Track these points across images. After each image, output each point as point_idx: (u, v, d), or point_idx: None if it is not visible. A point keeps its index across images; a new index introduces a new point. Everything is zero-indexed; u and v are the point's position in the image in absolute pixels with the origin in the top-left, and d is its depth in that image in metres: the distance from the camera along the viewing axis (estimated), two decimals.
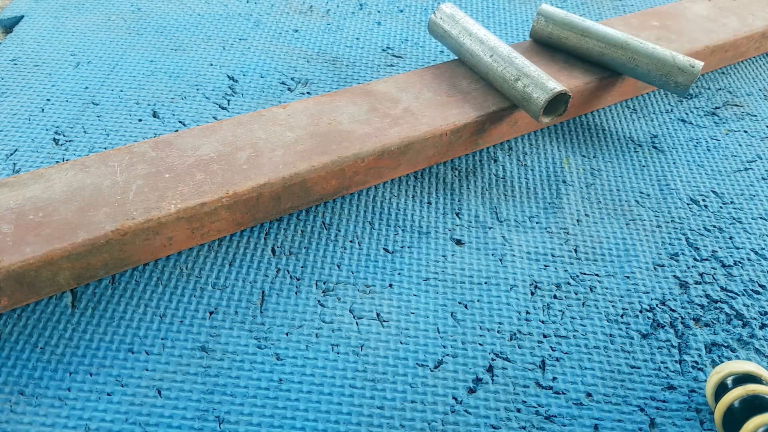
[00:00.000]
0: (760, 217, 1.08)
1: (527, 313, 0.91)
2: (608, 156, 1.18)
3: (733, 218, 1.08)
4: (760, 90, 1.36)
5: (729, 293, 0.96)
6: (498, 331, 0.89)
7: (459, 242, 1.00)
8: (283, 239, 0.99)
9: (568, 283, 0.96)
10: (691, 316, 0.93)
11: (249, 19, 1.47)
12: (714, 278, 0.98)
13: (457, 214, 1.04)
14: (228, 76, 1.30)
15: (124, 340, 0.84)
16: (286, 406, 0.79)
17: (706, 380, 0.84)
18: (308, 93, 1.27)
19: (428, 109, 1.09)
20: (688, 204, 1.10)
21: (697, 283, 0.97)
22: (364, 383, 0.82)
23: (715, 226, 1.06)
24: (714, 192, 1.12)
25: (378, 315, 0.90)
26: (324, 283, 0.92)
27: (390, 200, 1.07)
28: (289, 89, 1.28)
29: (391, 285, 0.93)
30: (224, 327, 0.87)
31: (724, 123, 1.27)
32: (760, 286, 0.97)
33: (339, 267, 0.95)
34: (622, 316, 0.92)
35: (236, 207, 0.94)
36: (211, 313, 0.88)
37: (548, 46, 1.27)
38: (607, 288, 0.95)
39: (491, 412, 0.80)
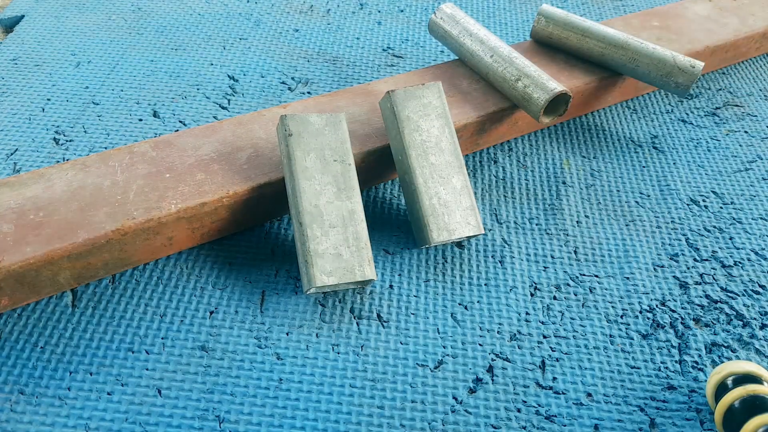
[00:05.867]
0: (761, 218, 1.08)
1: (527, 314, 0.91)
2: (608, 156, 1.18)
3: (734, 219, 1.08)
4: (760, 90, 1.36)
5: (729, 293, 0.96)
6: (498, 332, 0.89)
7: (459, 244, 1.00)
8: (283, 239, 0.99)
9: (568, 284, 0.96)
10: (691, 316, 0.93)
11: (249, 18, 1.47)
12: (714, 279, 0.98)
13: None
14: (228, 76, 1.30)
15: (125, 339, 0.84)
16: (287, 405, 0.79)
17: (706, 380, 0.84)
18: (309, 93, 1.27)
19: None
20: (688, 204, 1.10)
21: (697, 283, 0.97)
22: (365, 383, 0.82)
23: (715, 227, 1.06)
24: (714, 192, 1.12)
25: (378, 315, 0.90)
26: None
27: (390, 201, 1.07)
28: (289, 89, 1.28)
29: (391, 286, 0.93)
30: (224, 326, 0.87)
31: (724, 123, 1.27)
32: (761, 286, 0.97)
33: None
34: (622, 316, 0.92)
35: (236, 207, 0.94)
36: (211, 312, 0.89)
37: (549, 46, 1.27)
38: (606, 289, 0.96)
39: (491, 411, 0.80)
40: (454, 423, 0.79)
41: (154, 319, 0.87)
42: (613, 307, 0.93)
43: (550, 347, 0.88)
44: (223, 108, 1.22)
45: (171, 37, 1.40)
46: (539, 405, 0.81)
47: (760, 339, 0.90)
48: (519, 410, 0.81)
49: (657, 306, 0.94)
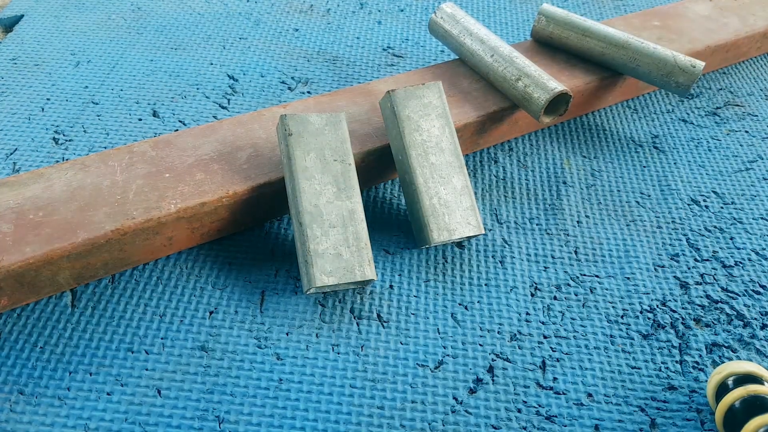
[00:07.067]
0: (761, 218, 1.08)
1: (527, 314, 0.91)
2: (609, 156, 1.18)
3: (734, 219, 1.08)
4: (761, 90, 1.36)
5: (730, 294, 0.96)
6: (498, 332, 0.89)
7: (459, 245, 1.00)
8: (283, 239, 0.99)
9: (569, 285, 0.95)
10: (691, 316, 0.93)
11: (249, 18, 1.47)
12: (715, 279, 0.98)
13: None
14: (228, 76, 1.30)
15: (124, 339, 0.84)
16: (286, 405, 0.79)
17: (706, 381, 0.84)
18: (309, 92, 1.27)
19: None
20: (688, 204, 1.10)
21: (697, 283, 0.97)
22: (365, 383, 0.82)
23: (715, 227, 1.06)
24: (715, 192, 1.12)
25: (378, 315, 0.89)
26: None
27: (390, 201, 1.06)
28: (289, 88, 1.28)
29: (391, 286, 0.93)
30: (224, 326, 0.87)
31: (725, 123, 1.27)
32: (761, 286, 0.97)
33: None
34: (622, 316, 0.92)
35: (236, 207, 0.94)
36: (211, 312, 0.88)
37: (549, 45, 1.27)
38: (607, 289, 0.95)
39: (492, 412, 0.80)
40: (455, 423, 0.79)
41: (153, 320, 0.87)
42: (613, 307, 0.93)
43: (551, 347, 0.87)
44: (223, 108, 1.22)
45: (171, 37, 1.40)
46: (540, 405, 0.81)
47: (761, 339, 0.90)
48: (519, 410, 0.80)
49: (658, 306, 0.94)
